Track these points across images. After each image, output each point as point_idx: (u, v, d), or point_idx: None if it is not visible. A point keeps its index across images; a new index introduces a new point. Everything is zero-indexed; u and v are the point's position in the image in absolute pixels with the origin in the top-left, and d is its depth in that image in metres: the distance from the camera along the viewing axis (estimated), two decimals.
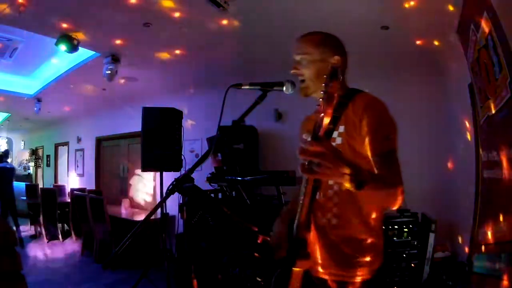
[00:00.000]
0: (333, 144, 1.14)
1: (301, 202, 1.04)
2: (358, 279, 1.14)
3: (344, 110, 1.16)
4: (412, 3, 2.51)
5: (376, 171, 1.07)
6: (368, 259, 1.16)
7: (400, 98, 3.35)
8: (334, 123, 1.15)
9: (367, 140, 1.10)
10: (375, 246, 1.18)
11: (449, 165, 3.27)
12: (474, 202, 2.30)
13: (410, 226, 2.93)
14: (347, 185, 0.90)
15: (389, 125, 1.12)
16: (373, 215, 1.18)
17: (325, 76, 0.82)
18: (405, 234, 2.92)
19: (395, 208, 1.04)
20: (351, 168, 0.88)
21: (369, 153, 1.10)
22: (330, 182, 1.18)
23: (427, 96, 3.49)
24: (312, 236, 1.17)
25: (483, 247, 1.98)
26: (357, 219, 1.16)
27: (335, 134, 1.15)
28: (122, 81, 4.64)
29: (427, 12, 2.57)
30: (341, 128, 1.15)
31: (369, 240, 1.17)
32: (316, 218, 1.20)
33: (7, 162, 6.15)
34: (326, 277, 1.19)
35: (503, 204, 1.66)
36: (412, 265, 2.88)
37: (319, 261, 1.20)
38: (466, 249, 2.67)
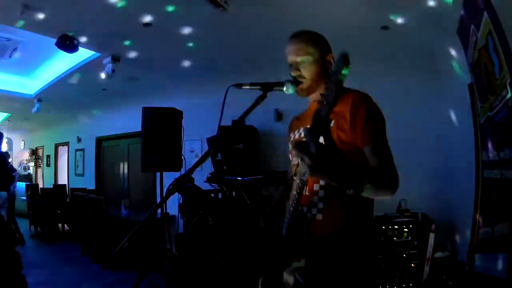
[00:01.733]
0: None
1: (295, 196, 1.04)
2: (346, 275, 1.13)
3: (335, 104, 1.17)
4: (412, 3, 2.51)
5: (369, 161, 1.09)
6: (356, 254, 1.15)
7: (399, 98, 3.36)
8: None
9: (359, 131, 1.11)
10: (362, 241, 1.18)
11: (449, 165, 3.27)
12: (474, 202, 2.30)
13: (410, 226, 2.93)
14: (347, 191, 0.92)
15: (379, 116, 1.15)
16: (361, 209, 1.17)
17: (334, 63, 0.82)
18: (405, 234, 2.92)
19: (388, 196, 1.05)
20: (351, 173, 0.90)
21: (361, 143, 1.11)
22: None
23: (427, 96, 3.48)
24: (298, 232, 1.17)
25: (483, 247, 1.98)
26: (343, 213, 1.15)
27: None
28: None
29: (427, 12, 2.57)
30: (331, 123, 1.16)
31: (356, 235, 1.16)
32: (301, 213, 1.19)
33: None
34: (315, 274, 1.17)
35: (503, 204, 1.66)
36: (412, 265, 2.88)
37: (306, 258, 1.17)
38: (466, 249, 2.67)
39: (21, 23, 2.97)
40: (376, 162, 1.07)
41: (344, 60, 0.79)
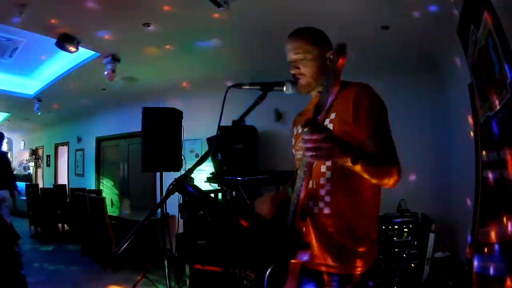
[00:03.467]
0: None
1: (299, 187, 1.04)
2: (354, 271, 1.13)
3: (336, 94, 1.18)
4: (412, 3, 2.51)
5: (373, 150, 1.09)
6: (362, 249, 1.15)
7: (400, 98, 3.36)
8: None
9: (362, 122, 1.11)
10: (370, 235, 1.18)
11: (449, 165, 3.27)
12: (474, 202, 2.30)
13: (410, 226, 2.93)
14: (347, 160, 0.95)
15: (381, 106, 1.15)
16: (367, 202, 1.17)
17: (332, 52, 0.84)
18: (405, 234, 2.92)
19: (392, 185, 1.07)
20: (350, 146, 0.95)
21: (364, 135, 1.11)
22: (323, 169, 1.18)
23: (427, 96, 3.49)
24: (305, 226, 1.16)
25: (483, 247, 1.98)
26: (350, 207, 1.15)
27: (326, 121, 1.16)
28: (122, 82, 4.64)
29: (427, 12, 2.57)
30: (332, 115, 1.17)
31: (363, 229, 1.16)
32: (308, 208, 1.19)
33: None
34: (321, 269, 1.17)
35: (503, 204, 1.66)
36: (412, 265, 2.88)
37: (314, 253, 1.17)
38: (466, 249, 2.67)
39: (20, 22, 2.97)
40: (379, 152, 1.08)
41: (340, 49, 0.80)
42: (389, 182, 1.05)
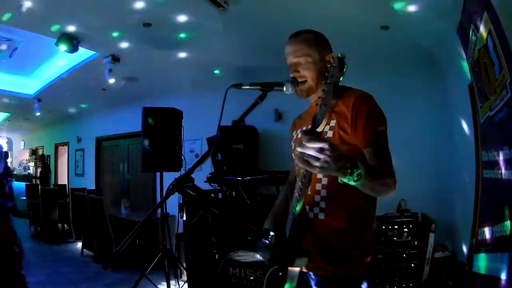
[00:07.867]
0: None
1: (297, 198, 1.04)
2: (349, 275, 1.13)
3: (334, 106, 1.16)
4: (412, 3, 2.51)
5: (369, 161, 1.07)
6: (358, 253, 1.15)
7: (400, 98, 3.36)
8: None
9: (360, 131, 1.10)
10: (365, 240, 1.18)
11: (449, 165, 3.27)
12: (474, 202, 2.30)
13: (410, 226, 2.93)
14: (344, 178, 0.89)
15: (380, 116, 1.14)
16: (362, 209, 1.16)
17: (331, 66, 0.83)
18: (405, 234, 2.92)
19: (387, 196, 1.04)
20: (349, 162, 0.87)
21: (361, 144, 1.11)
22: (319, 175, 1.18)
23: (427, 96, 3.48)
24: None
25: (483, 247, 1.98)
26: (345, 213, 1.15)
27: (326, 128, 1.15)
28: (123, 82, 4.63)
29: (427, 12, 2.57)
30: (332, 122, 1.16)
31: (358, 234, 1.16)
32: (304, 214, 1.18)
33: None
34: (318, 273, 1.17)
35: (503, 204, 1.66)
36: (412, 265, 2.88)
37: (310, 258, 1.16)
38: (466, 249, 2.67)
39: (20, 22, 2.98)
40: (375, 163, 1.06)
41: (340, 63, 0.80)
42: (385, 195, 1.04)
